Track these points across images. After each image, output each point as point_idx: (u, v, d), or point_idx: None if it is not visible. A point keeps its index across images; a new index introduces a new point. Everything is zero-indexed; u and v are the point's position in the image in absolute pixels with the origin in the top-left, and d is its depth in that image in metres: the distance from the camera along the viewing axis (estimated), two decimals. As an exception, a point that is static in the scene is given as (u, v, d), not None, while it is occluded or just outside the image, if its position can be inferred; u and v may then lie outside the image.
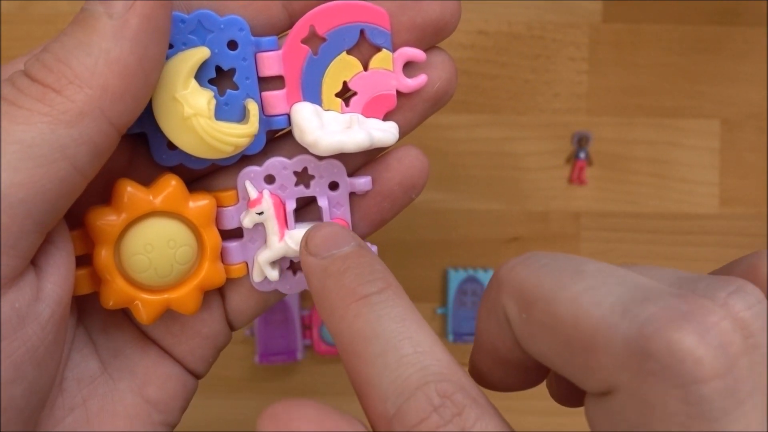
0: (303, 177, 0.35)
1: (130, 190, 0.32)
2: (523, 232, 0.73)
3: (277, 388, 0.73)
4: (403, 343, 0.26)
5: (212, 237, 0.34)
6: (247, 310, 0.37)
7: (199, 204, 0.33)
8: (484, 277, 0.72)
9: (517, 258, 0.28)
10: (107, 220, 0.32)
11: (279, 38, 0.33)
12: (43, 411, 0.32)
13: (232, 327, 0.37)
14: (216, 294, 0.36)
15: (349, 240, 0.30)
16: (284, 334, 0.71)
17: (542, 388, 0.32)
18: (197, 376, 0.37)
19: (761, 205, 0.74)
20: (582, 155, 0.73)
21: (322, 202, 0.35)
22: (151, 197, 0.32)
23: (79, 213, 0.32)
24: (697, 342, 0.22)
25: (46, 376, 0.30)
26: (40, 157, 0.27)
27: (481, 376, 0.31)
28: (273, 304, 0.38)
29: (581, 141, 0.72)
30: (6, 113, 0.28)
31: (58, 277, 0.30)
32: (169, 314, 0.36)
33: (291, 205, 0.35)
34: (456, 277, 0.72)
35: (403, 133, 0.35)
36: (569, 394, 0.31)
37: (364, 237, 0.36)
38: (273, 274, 0.35)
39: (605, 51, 0.73)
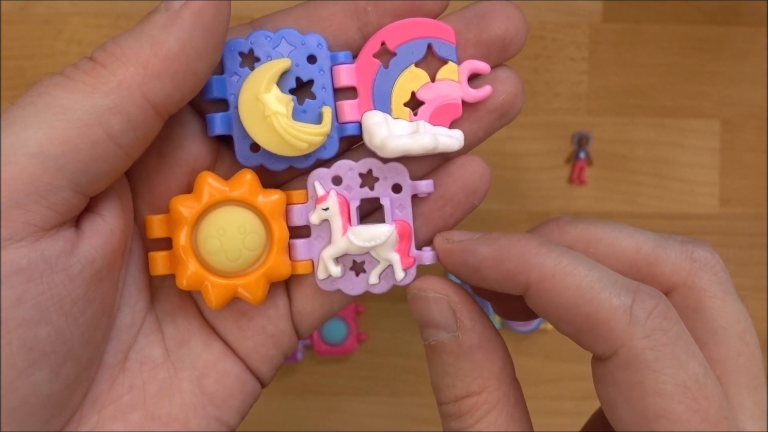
0: (368, 179, 0.39)
1: (210, 181, 0.38)
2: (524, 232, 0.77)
3: (277, 388, 0.76)
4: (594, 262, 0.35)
5: (280, 229, 0.39)
6: (312, 313, 0.41)
7: (270, 197, 0.39)
8: (485, 277, 0.76)
9: (562, 219, 0.40)
10: (187, 204, 0.38)
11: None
12: (98, 383, 0.37)
13: (297, 331, 0.41)
14: (283, 294, 0.41)
15: None
16: (285, 335, 0.74)
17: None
18: (260, 380, 0.41)
19: (761, 205, 0.78)
20: (582, 155, 0.77)
21: (385, 202, 0.39)
22: (227, 188, 0.38)
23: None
24: (710, 252, 0.37)
25: (75, 330, 0.34)
26: (75, 120, 0.33)
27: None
28: (337, 311, 0.42)
29: (581, 141, 0.77)
30: (58, 84, 0.33)
31: (96, 241, 0.35)
32: (237, 308, 0.40)
33: (355, 204, 0.39)
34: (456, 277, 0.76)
35: (469, 145, 0.40)
36: (510, 311, 0.43)
37: (427, 243, 0.41)
38: (335, 269, 0.39)
39: (605, 51, 0.77)
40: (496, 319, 0.77)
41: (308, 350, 0.77)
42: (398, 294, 0.39)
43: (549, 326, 0.77)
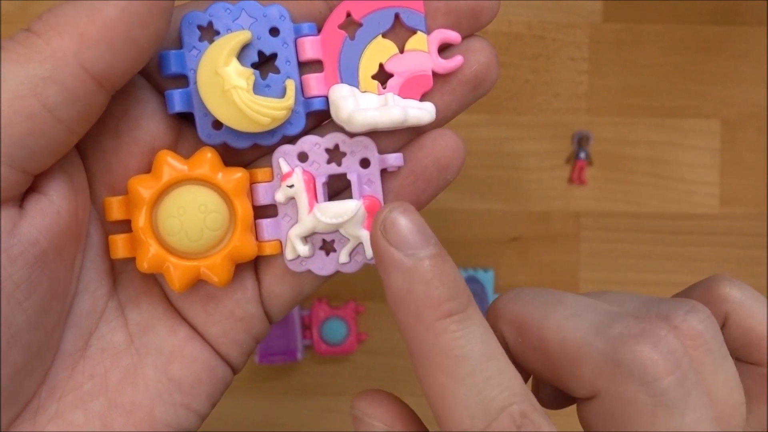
0: (335, 155, 0.37)
1: (169, 160, 0.36)
2: (523, 232, 0.75)
3: (277, 388, 0.74)
4: (489, 365, 0.31)
5: (244, 207, 0.36)
6: (283, 295, 0.39)
7: (233, 175, 0.36)
8: (484, 277, 0.74)
9: (508, 294, 0.36)
10: (146, 185, 0.36)
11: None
12: (53, 370, 0.35)
13: (268, 315, 0.39)
14: (251, 276, 0.38)
15: (431, 237, 0.33)
16: (284, 334, 0.72)
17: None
18: (231, 366, 0.39)
19: (761, 205, 0.76)
20: (582, 155, 0.75)
21: (352, 177, 0.37)
22: (187, 167, 0.36)
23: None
24: (651, 350, 0.31)
25: (20, 315, 0.32)
26: (8, 91, 0.30)
27: None
28: (308, 293, 0.39)
29: (581, 141, 0.75)
30: None
31: (40, 222, 0.32)
32: (204, 292, 0.38)
33: (321, 180, 0.37)
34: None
35: (442, 118, 0.37)
36: (552, 399, 0.39)
37: None
38: (303, 249, 0.37)
39: (605, 51, 0.75)
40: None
41: (308, 350, 0.75)
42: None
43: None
